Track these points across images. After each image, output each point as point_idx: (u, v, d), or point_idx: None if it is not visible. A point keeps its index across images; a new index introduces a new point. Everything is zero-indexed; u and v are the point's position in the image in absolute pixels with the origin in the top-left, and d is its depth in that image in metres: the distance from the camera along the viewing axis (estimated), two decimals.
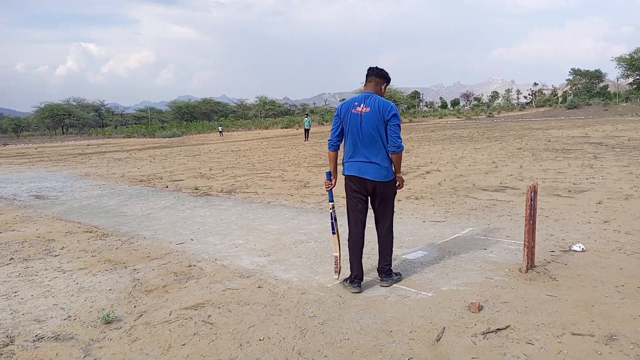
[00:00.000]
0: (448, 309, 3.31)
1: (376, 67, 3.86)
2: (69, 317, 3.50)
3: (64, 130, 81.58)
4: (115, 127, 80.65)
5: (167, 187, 10.62)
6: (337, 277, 3.98)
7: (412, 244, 5.00)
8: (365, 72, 3.87)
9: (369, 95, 3.76)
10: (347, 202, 3.97)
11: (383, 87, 3.85)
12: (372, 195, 3.85)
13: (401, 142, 3.70)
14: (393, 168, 3.79)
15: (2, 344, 3.10)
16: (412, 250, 4.75)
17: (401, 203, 7.22)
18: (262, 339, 3.02)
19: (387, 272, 3.88)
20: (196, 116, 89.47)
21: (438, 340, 2.87)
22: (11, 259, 5.12)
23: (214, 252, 5.05)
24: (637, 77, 47.14)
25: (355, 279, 3.80)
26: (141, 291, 3.97)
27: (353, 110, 3.74)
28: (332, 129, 3.93)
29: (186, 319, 3.37)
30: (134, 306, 3.65)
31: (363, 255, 3.92)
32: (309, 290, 3.82)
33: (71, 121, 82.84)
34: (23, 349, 3.02)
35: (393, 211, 3.94)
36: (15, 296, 3.97)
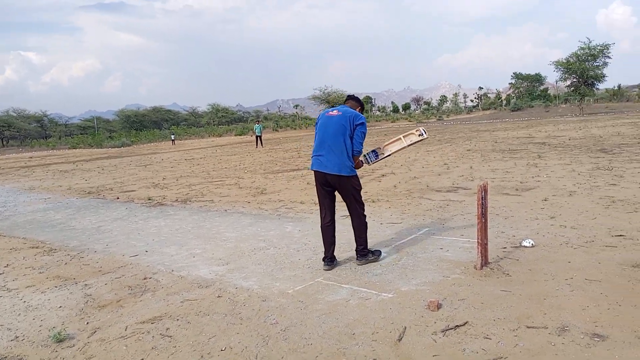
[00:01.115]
0: (408, 308, 3.37)
1: (354, 95, 4.70)
2: (17, 337, 3.31)
3: (4, 142, 77.34)
4: (60, 138, 77.19)
5: (118, 198, 10.26)
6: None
7: (370, 246, 5.04)
8: (345, 97, 4.71)
9: (344, 107, 4.48)
10: (317, 193, 4.53)
11: (357, 109, 4.54)
12: (335, 188, 4.39)
13: (362, 147, 4.33)
14: (352, 166, 4.32)
15: None
16: None
17: None
18: (223, 349, 2.96)
19: (360, 252, 4.47)
20: (146, 125, 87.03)
21: (400, 340, 2.91)
22: None
23: (171, 263, 4.91)
24: (574, 80, 49.92)
25: (326, 259, 4.42)
26: (94, 307, 3.80)
27: (326, 114, 4.44)
28: (315, 135, 4.53)
29: (143, 333, 3.26)
30: (87, 322, 3.50)
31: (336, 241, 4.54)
32: (269, 297, 3.78)
33: (11, 133, 78.64)
34: None
35: (359, 202, 4.44)
36: None
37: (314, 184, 4.57)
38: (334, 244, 4.47)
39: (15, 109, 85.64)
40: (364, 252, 4.48)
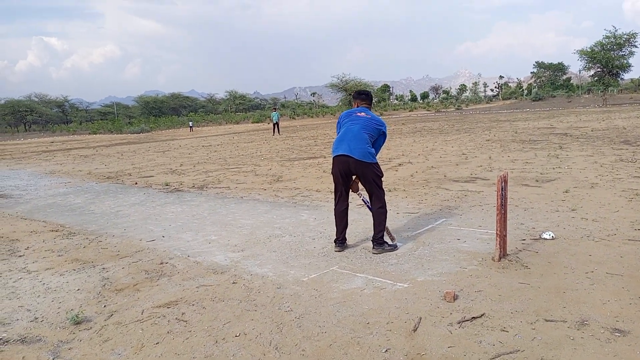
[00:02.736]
0: (424, 299, 3.33)
1: (365, 90, 4.85)
2: (36, 318, 3.37)
3: (27, 127, 78.83)
4: (80, 123, 78.30)
5: (136, 183, 10.37)
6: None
7: (387, 236, 5.01)
8: (354, 94, 4.85)
9: (365, 109, 4.66)
10: (334, 180, 4.63)
11: (370, 106, 4.77)
12: (357, 175, 4.49)
13: (380, 147, 4.60)
14: (375, 155, 4.47)
15: None
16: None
17: None
18: (238, 335, 2.97)
19: (377, 241, 4.45)
20: (164, 111, 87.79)
21: (415, 330, 2.88)
22: None
23: (187, 249, 4.95)
24: (598, 70, 48.72)
25: (337, 240, 4.60)
26: (111, 290, 3.85)
27: (355, 114, 4.58)
28: (337, 133, 4.67)
29: (159, 317, 3.29)
30: (104, 306, 3.54)
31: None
32: (284, 284, 3.78)
33: (34, 118, 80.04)
34: None
35: (381, 188, 4.53)
36: None
37: (331, 172, 4.67)
38: (346, 227, 4.64)
39: (37, 94, 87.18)
40: (381, 241, 4.47)
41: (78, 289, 3.91)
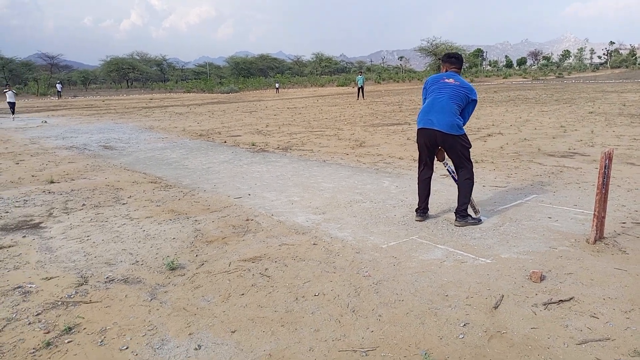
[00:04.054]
0: (507, 277, 3.23)
1: (455, 53, 4.52)
2: (137, 262, 3.72)
3: (129, 83, 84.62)
4: (176, 82, 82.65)
5: (225, 142, 10.86)
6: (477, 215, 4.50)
7: (470, 209, 4.86)
8: (443, 57, 4.54)
9: (455, 75, 4.37)
10: (419, 150, 4.53)
11: (460, 71, 4.50)
12: (443, 147, 4.36)
13: (469, 115, 4.38)
14: (462, 126, 4.29)
15: (77, 283, 3.34)
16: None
17: None
18: (317, 294, 3.08)
19: (461, 213, 4.34)
20: (253, 72, 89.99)
21: (496, 307, 2.81)
22: (83, 204, 5.47)
23: (271, 208, 5.15)
24: None
25: (419, 210, 4.53)
26: (202, 241, 4.13)
27: (443, 80, 4.34)
28: (423, 100, 4.53)
29: (244, 270, 3.49)
30: (196, 255, 3.82)
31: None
32: (363, 249, 3.83)
33: (135, 75, 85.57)
34: (95, 289, 3.24)
35: (468, 159, 4.39)
36: (87, 240, 4.26)
37: (415, 140, 4.54)
38: (429, 197, 4.55)
39: (138, 53, 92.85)
40: (464, 214, 4.34)
41: (174, 238, 4.24)
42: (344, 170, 7.12)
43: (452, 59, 4.45)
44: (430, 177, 4.54)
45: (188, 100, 34.94)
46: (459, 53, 4.61)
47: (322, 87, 58.09)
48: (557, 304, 2.82)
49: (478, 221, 4.38)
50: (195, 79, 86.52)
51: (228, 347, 2.51)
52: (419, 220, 4.50)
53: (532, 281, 3.12)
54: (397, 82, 62.16)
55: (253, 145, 10.07)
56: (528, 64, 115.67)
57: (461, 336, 2.53)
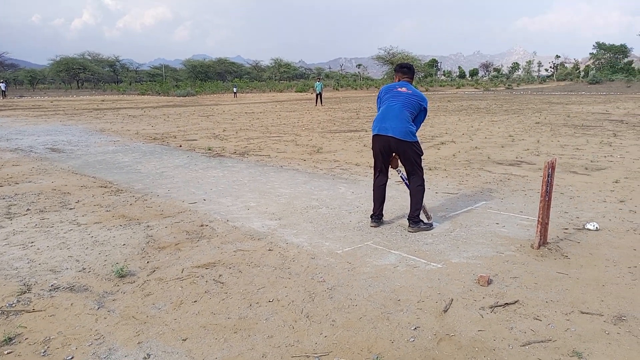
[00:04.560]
0: (457, 281, 3.33)
1: (407, 64, 4.68)
2: (84, 269, 3.58)
3: (79, 84, 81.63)
4: (130, 84, 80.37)
5: (180, 146, 10.65)
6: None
7: (423, 215, 4.98)
8: (396, 67, 4.71)
9: (407, 84, 4.52)
10: (374, 157, 4.63)
11: (412, 80, 4.65)
12: (397, 154, 4.47)
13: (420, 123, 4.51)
14: (415, 133, 4.42)
15: (19, 291, 3.19)
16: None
17: None
18: (271, 300, 3.07)
19: (413, 219, 4.45)
20: (210, 76, 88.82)
21: (445, 311, 2.89)
22: (28, 209, 5.22)
23: (226, 213, 5.09)
24: None
25: (373, 215, 4.61)
26: (154, 248, 4.03)
27: (396, 89, 4.47)
28: (378, 108, 4.62)
29: (198, 277, 3.43)
30: (147, 262, 3.72)
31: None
32: (318, 255, 3.85)
33: (86, 75, 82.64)
34: (39, 298, 3.10)
35: (420, 167, 4.50)
36: (31, 246, 4.07)
37: (371, 148, 4.65)
38: (383, 203, 4.65)
39: (90, 53, 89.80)
40: (417, 220, 4.45)
41: (124, 244, 4.12)
42: (301, 176, 7.14)
43: (404, 69, 4.60)
44: (385, 184, 4.63)
45: (142, 103, 34.05)
46: (411, 64, 4.74)
47: (281, 92, 58.03)
48: (503, 307, 2.94)
49: (430, 227, 4.50)
50: (150, 81, 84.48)
51: (178, 356, 2.46)
52: (374, 226, 4.58)
53: (480, 285, 3.23)
54: (355, 89, 62.95)
55: (209, 149, 9.92)
56: (480, 74, 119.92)
57: (412, 339, 2.58)
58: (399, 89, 4.46)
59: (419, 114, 4.46)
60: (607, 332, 2.64)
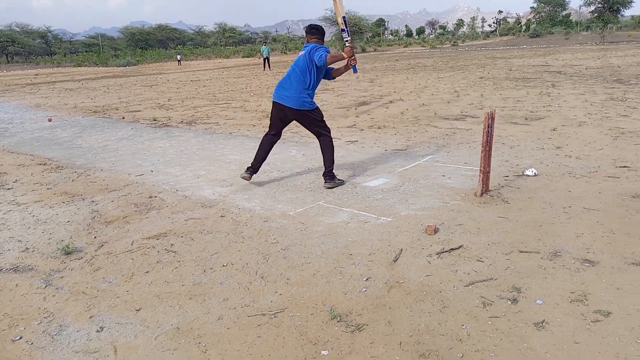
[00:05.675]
0: (406, 232, 3.44)
1: (315, 25, 4.57)
2: (27, 249, 3.45)
3: (9, 58, 76.15)
4: (65, 55, 75.77)
5: (123, 118, 10.24)
6: None
7: (373, 172, 5.08)
8: (306, 28, 4.60)
9: (309, 44, 4.44)
10: (270, 118, 4.63)
11: (321, 42, 4.51)
12: (295, 120, 4.53)
13: (324, 60, 4.16)
14: (312, 101, 4.43)
15: None
16: (374, 178, 4.83)
17: (363, 132, 7.25)
18: (225, 265, 3.08)
19: (328, 174, 4.55)
20: (151, 44, 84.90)
21: (395, 261, 3.00)
22: None
23: (175, 183, 4.99)
24: (599, 5, 47.31)
25: (250, 168, 4.64)
26: (101, 222, 3.92)
27: (299, 54, 4.45)
28: None
29: (148, 248, 3.38)
30: (94, 237, 3.62)
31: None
32: (271, 218, 3.87)
33: (15, 49, 77.15)
34: None
35: (325, 128, 4.58)
36: None
37: (270, 112, 4.62)
38: (264, 159, 4.70)
39: (18, 24, 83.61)
40: (332, 175, 4.57)
41: (68, 221, 3.98)
42: (251, 141, 7.05)
43: (312, 30, 4.53)
44: (274, 143, 4.68)
45: (79, 75, 32.25)
46: (320, 25, 4.58)
47: (227, 58, 56.44)
48: (449, 252, 3.08)
49: (342, 182, 4.66)
50: (86, 51, 79.70)
51: (133, 326, 2.45)
52: (245, 178, 4.62)
53: (427, 234, 3.36)
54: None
55: (154, 120, 9.60)
56: (426, 33, 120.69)
57: (364, 290, 2.68)
58: (300, 53, 4.45)
59: (313, 70, 4.31)
60: (543, 268, 2.82)
